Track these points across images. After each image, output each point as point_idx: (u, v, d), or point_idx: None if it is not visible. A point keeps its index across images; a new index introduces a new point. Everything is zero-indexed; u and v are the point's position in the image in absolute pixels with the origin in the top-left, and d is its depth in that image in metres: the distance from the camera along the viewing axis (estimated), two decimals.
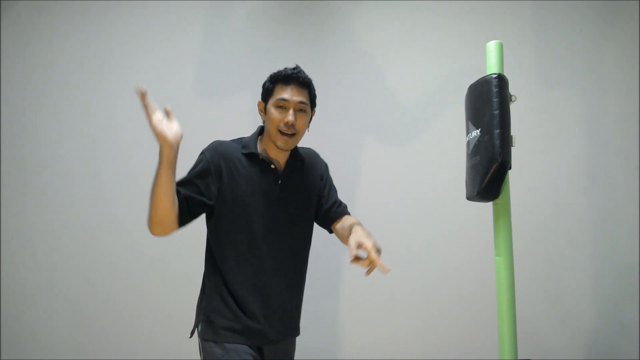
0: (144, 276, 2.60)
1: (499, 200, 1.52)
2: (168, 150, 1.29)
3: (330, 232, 1.68)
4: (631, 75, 2.59)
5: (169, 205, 1.33)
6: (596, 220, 2.55)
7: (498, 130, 1.44)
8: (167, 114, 1.30)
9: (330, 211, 1.64)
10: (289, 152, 1.58)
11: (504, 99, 1.47)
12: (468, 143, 1.59)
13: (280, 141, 1.50)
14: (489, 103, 1.47)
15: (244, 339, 1.48)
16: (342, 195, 1.73)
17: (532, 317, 2.49)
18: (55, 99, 2.70)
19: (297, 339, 1.67)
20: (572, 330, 2.51)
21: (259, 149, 1.57)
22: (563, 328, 2.51)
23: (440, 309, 2.58)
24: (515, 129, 1.48)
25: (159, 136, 1.27)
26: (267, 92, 1.54)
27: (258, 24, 2.79)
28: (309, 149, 1.70)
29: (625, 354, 2.46)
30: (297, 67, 1.52)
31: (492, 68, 1.53)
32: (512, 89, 1.51)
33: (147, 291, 2.60)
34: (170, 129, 1.29)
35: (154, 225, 1.34)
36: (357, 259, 1.30)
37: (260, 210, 1.52)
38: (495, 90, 1.47)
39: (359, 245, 1.31)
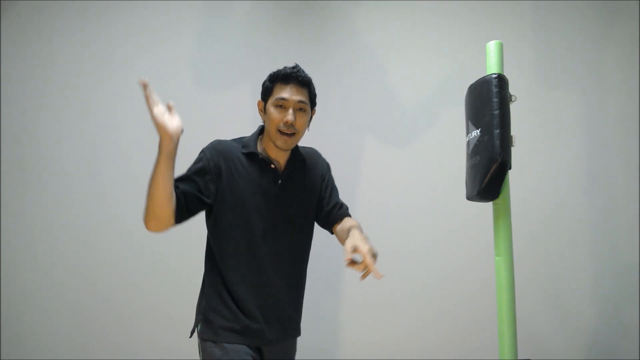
0: (144, 276, 2.60)
1: (499, 200, 1.51)
2: (168, 142, 1.28)
3: (332, 232, 1.67)
4: (631, 75, 2.59)
5: (166, 198, 1.31)
6: (596, 220, 2.55)
7: (498, 130, 1.44)
8: (170, 108, 1.30)
9: (331, 213, 1.63)
10: (289, 151, 1.57)
11: (504, 99, 1.47)
12: (468, 143, 1.59)
13: (280, 141, 1.50)
14: (489, 103, 1.47)
15: (243, 339, 1.48)
16: (343, 195, 1.73)
17: (532, 317, 2.49)
18: (55, 99, 2.70)
19: (297, 339, 1.66)
20: (572, 330, 2.51)
21: (259, 149, 1.57)
22: (563, 328, 2.51)
23: (440, 309, 2.58)
24: (515, 129, 1.48)
25: (160, 127, 1.27)
26: (267, 91, 1.53)
27: (258, 23, 2.79)
28: (310, 148, 1.69)
29: (625, 354, 2.46)
30: (296, 66, 1.51)
31: (492, 68, 1.53)
32: (512, 89, 1.51)
33: (147, 291, 2.59)
34: (172, 121, 1.29)
35: (150, 219, 1.33)
36: (352, 262, 1.29)
37: (259, 210, 1.51)
38: (495, 90, 1.47)
39: (355, 249, 1.30)
